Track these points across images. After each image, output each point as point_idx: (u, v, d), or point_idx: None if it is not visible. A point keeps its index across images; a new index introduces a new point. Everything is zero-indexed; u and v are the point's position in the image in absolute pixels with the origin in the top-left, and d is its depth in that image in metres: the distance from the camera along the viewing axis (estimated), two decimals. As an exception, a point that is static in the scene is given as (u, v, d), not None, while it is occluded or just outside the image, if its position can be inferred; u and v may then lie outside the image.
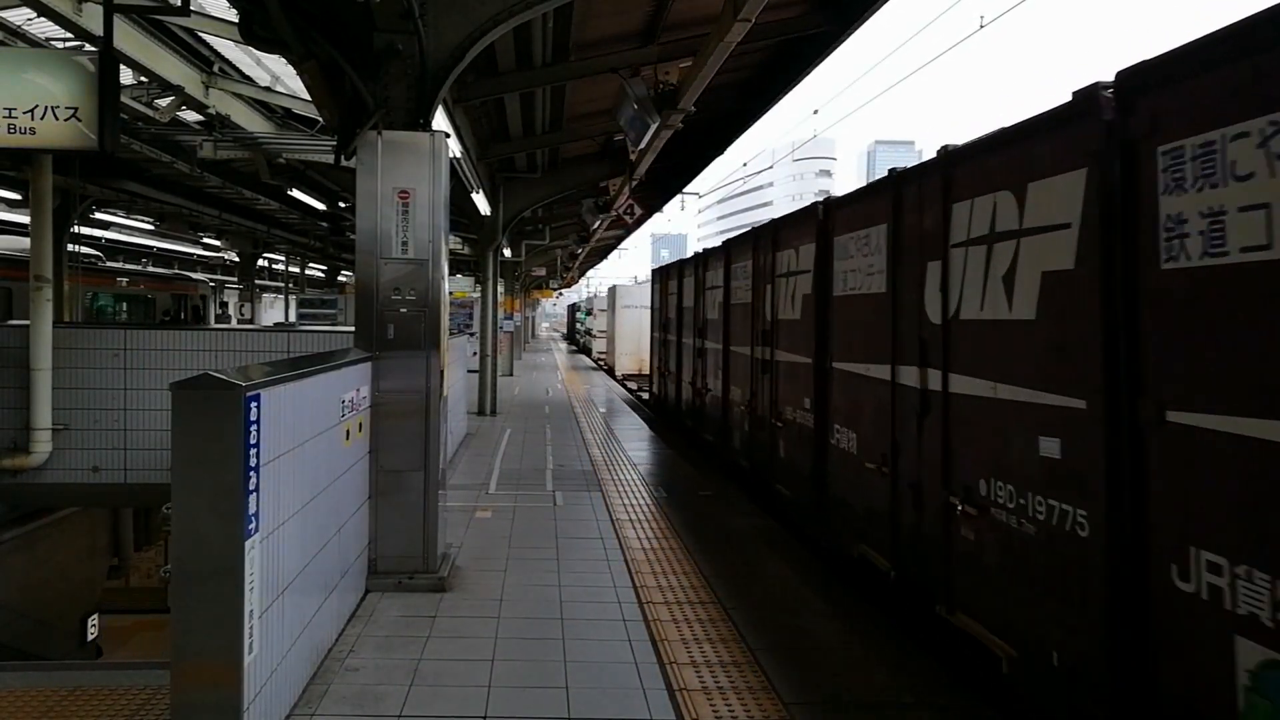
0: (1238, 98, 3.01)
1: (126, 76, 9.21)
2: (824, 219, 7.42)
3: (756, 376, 9.47)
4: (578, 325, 46.67)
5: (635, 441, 13.36)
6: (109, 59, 6.28)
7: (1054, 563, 3.95)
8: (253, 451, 3.47)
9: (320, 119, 9.73)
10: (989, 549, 4.53)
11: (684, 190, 23.12)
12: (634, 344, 28.26)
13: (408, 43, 5.99)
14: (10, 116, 6.19)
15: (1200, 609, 3.10)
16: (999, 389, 4.46)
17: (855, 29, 9.39)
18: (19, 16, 8.70)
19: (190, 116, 11.39)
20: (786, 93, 11.83)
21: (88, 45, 7.78)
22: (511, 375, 25.12)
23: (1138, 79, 3.56)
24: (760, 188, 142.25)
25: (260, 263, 30.70)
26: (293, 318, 29.75)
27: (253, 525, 3.48)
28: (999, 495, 4.42)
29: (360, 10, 5.96)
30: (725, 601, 5.91)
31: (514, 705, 4.29)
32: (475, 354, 16.85)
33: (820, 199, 7.58)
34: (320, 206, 17.72)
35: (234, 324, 32.49)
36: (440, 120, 6.56)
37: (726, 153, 15.72)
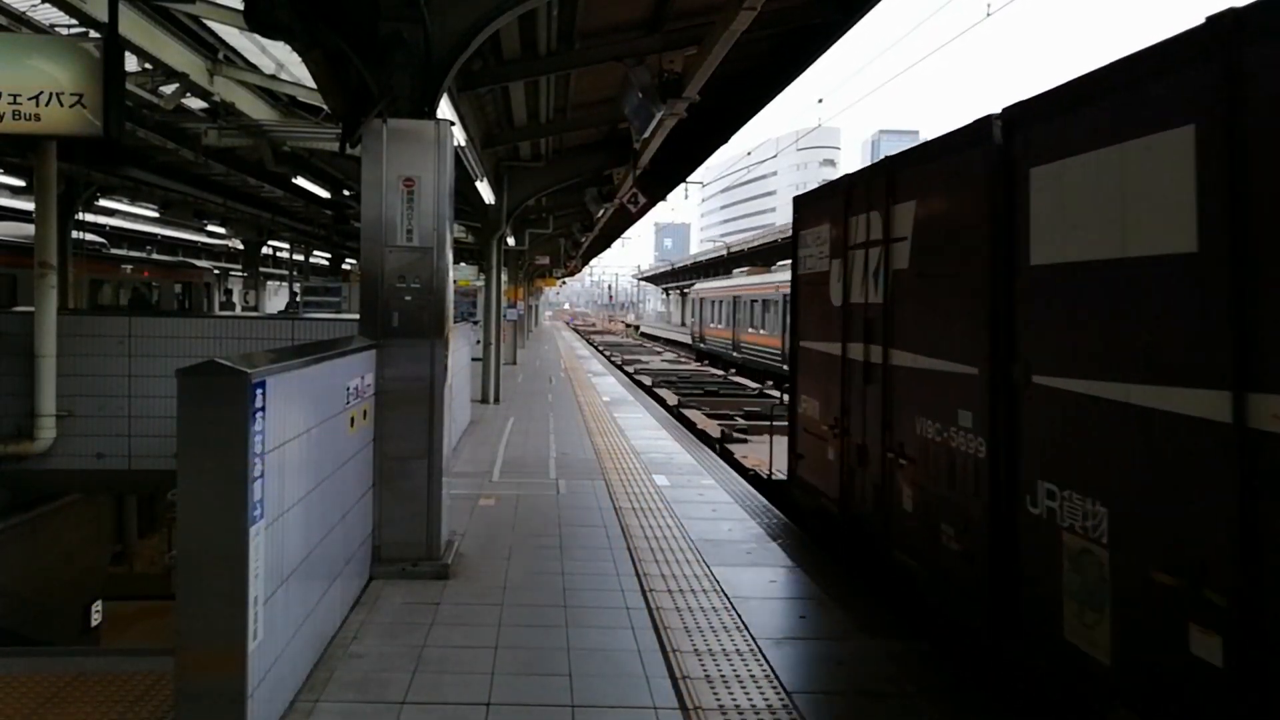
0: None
1: (131, 63, 9.19)
2: None
3: None
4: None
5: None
6: (114, 45, 6.28)
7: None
8: (258, 438, 3.47)
9: (325, 107, 9.72)
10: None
11: (688, 179, 23.09)
12: None
13: (413, 31, 5.98)
14: (15, 102, 6.20)
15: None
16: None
17: (860, 17, 9.36)
18: (23, 2, 8.69)
19: (195, 104, 11.38)
20: (791, 81, 11.80)
21: (92, 32, 7.77)
22: (515, 364, 25.13)
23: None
24: (764, 177, 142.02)
25: (264, 250, 30.67)
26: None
27: (258, 512, 3.49)
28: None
29: (365, -3, 5.94)
30: (727, 591, 5.93)
31: (517, 692, 4.30)
32: (479, 342, 16.86)
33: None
34: (325, 194, 17.68)
35: (238, 311, 32.51)
36: (445, 108, 6.54)
37: (730, 141, 15.68)
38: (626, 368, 27.35)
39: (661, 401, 17.17)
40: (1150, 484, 3.38)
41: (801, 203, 8.09)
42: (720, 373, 25.78)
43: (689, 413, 15.30)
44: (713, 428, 13.42)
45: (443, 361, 6.12)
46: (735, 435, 12.36)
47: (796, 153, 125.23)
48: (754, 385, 21.59)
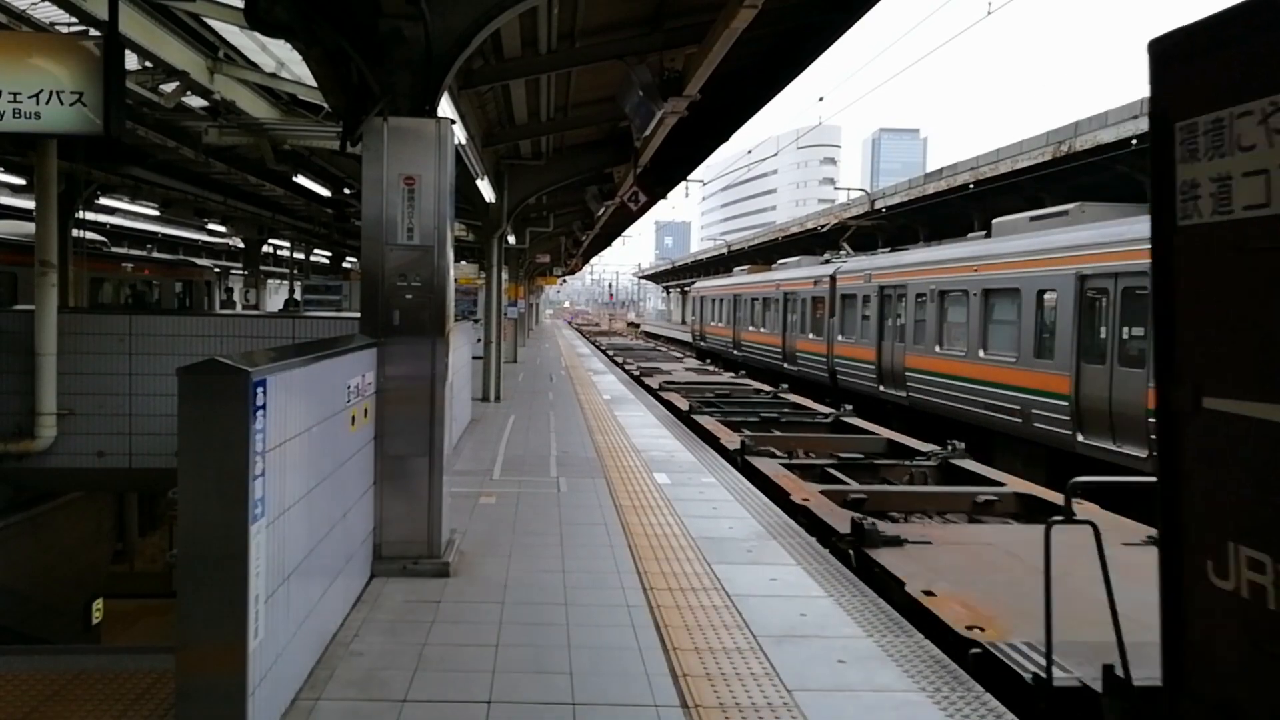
0: None
1: (131, 61, 9.19)
2: None
3: None
4: None
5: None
6: (114, 44, 6.26)
7: None
8: (259, 436, 3.47)
9: (326, 105, 9.72)
10: None
11: (688, 178, 23.09)
12: None
13: (413, 29, 5.97)
14: (15, 101, 6.18)
15: None
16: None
17: (861, 15, 9.36)
18: (23, 0, 8.68)
19: (195, 102, 11.38)
20: (791, 80, 11.81)
21: (93, 30, 7.76)
22: (516, 362, 25.14)
23: None
24: (765, 175, 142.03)
25: (265, 249, 30.68)
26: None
27: (259, 510, 3.49)
28: None
29: (366, -5, 5.94)
30: (728, 588, 5.93)
31: (518, 690, 4.30)
32: (480, 340, 16.86)
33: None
34: (325, 193, 17.70)
35: (238, 309, 32.51)
36: (446, 107, 6.54)
37: (731, 140, 15.68)
38: (646, 379, 21.70)
39: (712, 439, 12.37)
40: None
41: (1207, 37, 3.01)
42: (768, 387, 19.75)
43: (762, 465, 10.10)
44: (825, 506, 7.87)
45: (443, 360, 6.12)
46: (879, 531, 6.70)
47: (797, 151, 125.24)
48: (825, 410, 15.20)
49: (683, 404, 15.78)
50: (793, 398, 17.70)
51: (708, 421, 13.69)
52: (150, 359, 9.78)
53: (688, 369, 26.42)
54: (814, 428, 13.94)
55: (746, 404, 16.86)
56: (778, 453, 11.15)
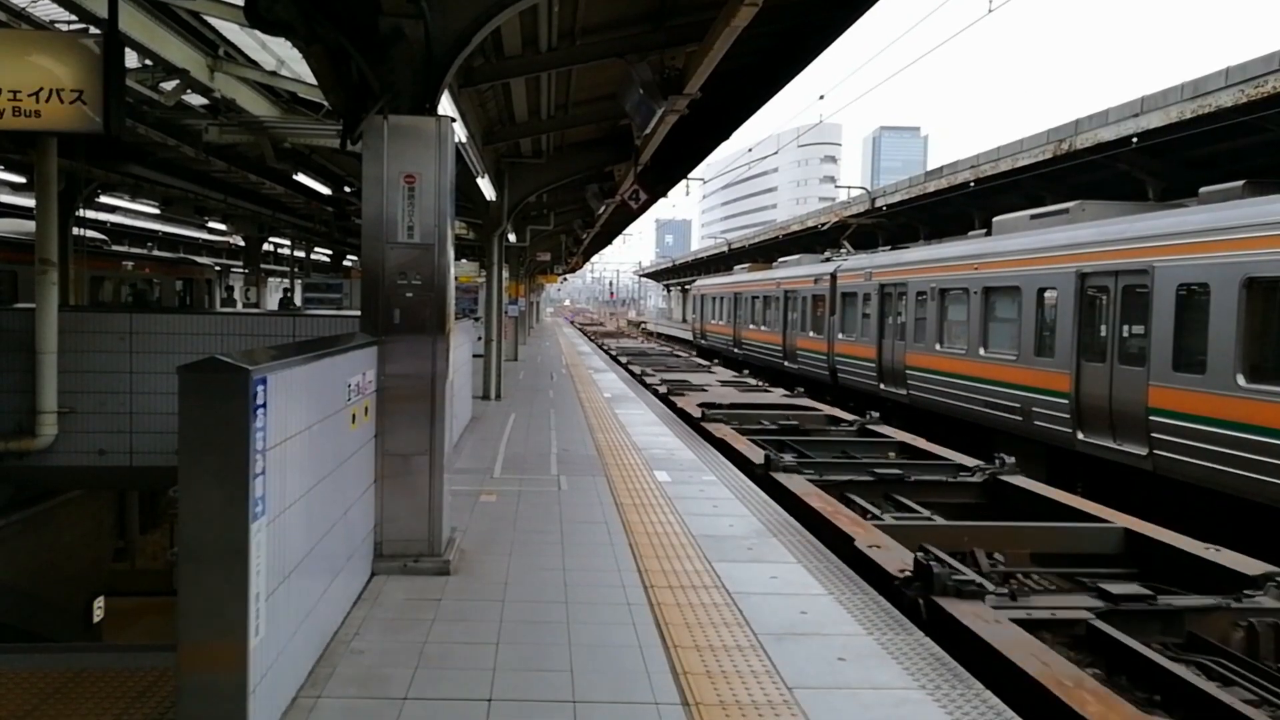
0: None
1: (131, 60, 9.19)
2: None
3: None
4: None
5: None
6: (114, 42, 6.28)
7: None
8: (259, 435, 3.47)
9: (326, 103, 9.72)
10: None
11: (689, 176, 23.07)
12: None
13: (413, 27, 5.97)
14: (15, 99, 6.19)
15: None
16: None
17: (861, 14, 9.35)
18: (23, -2, 8.69)
19: (195, 100, 11.38)
20: (792, 78, 11.80)
21: (93, 28, 7.76)
22: (516, 360, 25.11)
23: None
24: (765, 173, 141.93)
25: (265, 247, 30.68)
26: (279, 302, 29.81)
27: (260, 508, 3.49)
28: None
29: (366, -7, 5.94)
30: (729, 586, 5.93)
31: (519, 688, 4.31)
32: (480, 338, 16.85)
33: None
34: (326, 191, 17.71)
35: (239, 308, 32.53)
36: (446, 105, 6.54)
37: (731, 138, 15.68)
38: (676, 398, 16.39)
39: (832, 532, 7.21)
40: None
41: None
42: (846, 415, 14.37)
43: (993, 634, 5.01)
44: None
45: (444, 358, 6.12)
46: None
47: (798, 149, 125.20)
48: (967, 463, 10.11)
49: (749, 449, 10.80)
50: (888, 431, 12.58)
51: (820, 501, 8.08)
52: (151, 357, 9.79)
53: (723, 383, 20.43)
54: (959, 489, 9.14)
55: (832, 446, 11.90)
56: (985, 584, 5.92)
